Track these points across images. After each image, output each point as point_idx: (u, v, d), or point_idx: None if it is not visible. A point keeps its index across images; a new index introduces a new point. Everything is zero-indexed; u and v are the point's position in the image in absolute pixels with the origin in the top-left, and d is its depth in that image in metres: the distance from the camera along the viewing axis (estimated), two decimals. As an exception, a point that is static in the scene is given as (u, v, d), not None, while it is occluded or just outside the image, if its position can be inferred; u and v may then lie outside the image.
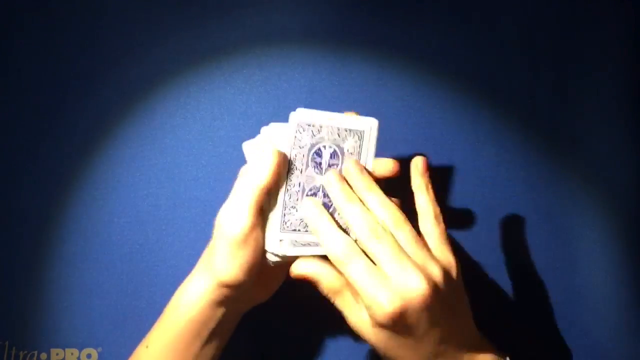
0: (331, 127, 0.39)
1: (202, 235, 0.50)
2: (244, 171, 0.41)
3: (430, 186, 0.40)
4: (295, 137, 0.39)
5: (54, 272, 0.50)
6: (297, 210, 0.39)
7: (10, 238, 0.50)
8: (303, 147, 0.39)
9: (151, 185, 0.50)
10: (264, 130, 0.41)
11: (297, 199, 0.39)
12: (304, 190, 0.39)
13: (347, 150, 0.40)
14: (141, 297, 0.50)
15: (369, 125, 0.40)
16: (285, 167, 0.39)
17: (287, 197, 0.39)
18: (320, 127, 0.39)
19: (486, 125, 0.50)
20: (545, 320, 0.49)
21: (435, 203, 0.39)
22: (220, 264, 0.38)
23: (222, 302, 0.39)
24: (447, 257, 0.38)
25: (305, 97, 0.50)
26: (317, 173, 0.39)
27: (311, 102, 0.50)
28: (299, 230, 0.39)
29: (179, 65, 0.51)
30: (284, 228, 0.39)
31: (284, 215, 0.39)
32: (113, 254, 0.50)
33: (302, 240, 0.39)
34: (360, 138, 0.40)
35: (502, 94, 0.51)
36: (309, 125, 0.39)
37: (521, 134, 0.50)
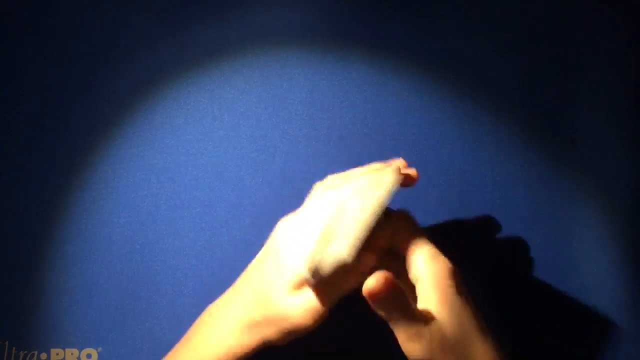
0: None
1: (202, 235, 0.50)
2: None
3: None
4: None
5: (54, 272, 0.50)
6: None
7: (10, 238, 0.50)
8: None
9: (151, 185, 0.50)
10: None
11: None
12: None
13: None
14: (141, 297, 0.50)
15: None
16: None
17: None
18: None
19: (486, 125, 0.50)
20: (545, 321, 0.49)
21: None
22: (275, 337, 0.38)
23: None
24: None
25: (305, 97, 0.50)
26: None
27: (311, 102, 0.50)
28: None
29: (179, 65, 0.51)
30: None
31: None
32: (113, 254, 0.50)
33: None
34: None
35: (502, 94, 0.51)
36: None
37: (521, 134, 0.50)
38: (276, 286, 0.39)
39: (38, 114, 0.51)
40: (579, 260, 0.50)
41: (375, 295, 0.34)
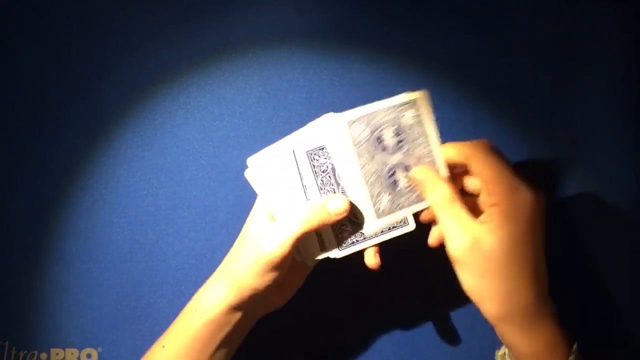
0: (383, 109, 0.39)
1: (202, 235, 0.50)
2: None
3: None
4: (351, 134, 0.39)
5: (54, 272, 0.50)
6: (387, 194, 0.40)
7: (10, 238, 0.50)
8: (362, 140, 0.39)
9: (151, 185, 0.50)
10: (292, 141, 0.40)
11: (381, 184, 0.40)
12: (381, 175, 0.40)
13: (408, 124, 0.40)
14: (141, 297, 0.50)
15: (420, 95, 0.40)
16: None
17: (370, 189, 0.40)
18: (373, 113, 0.39)
19: (486, 125, 0.50)
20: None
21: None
22: (248, 278, 0.39)
23: (240, 307, 0.40)
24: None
25: (305, 97, 0.50)
26: (388, 154, 0.40)
27: (311, 102, 0.50)
28: (395, 210, 0.41)
29: (179, 65, 0.51)
30: (379, 214, 0.41)
31: (374, 204, 0.40)
32: (113, 254, 0.50)
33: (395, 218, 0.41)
34: (417, 107, 0.39)
35: (502, 94, 0.51)
36: (360, 119, 0.39)
37: (521, 134, 0.51)
38: (251, 222, 0.41)
39: (38, 114, 0.51)
40: (579, 260, 0.50)
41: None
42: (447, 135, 0.50)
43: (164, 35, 0.51)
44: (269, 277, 0.39)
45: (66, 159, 0.51)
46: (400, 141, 0.40)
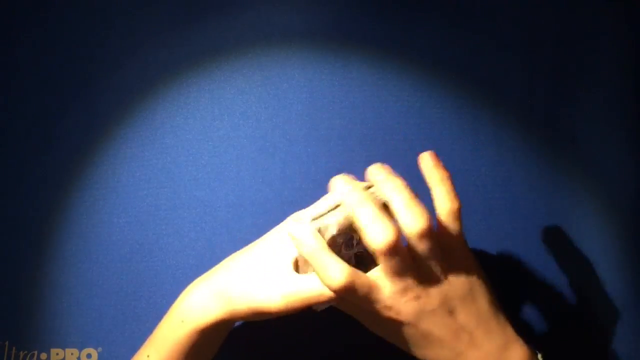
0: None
1: (202, 235, 0.50)
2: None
3: (445, 178, 0.39)
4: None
5: (54, 272, 0.50)
6: None
7: (11, 238, 0.50)
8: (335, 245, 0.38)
9: (151, 185, 0.51)
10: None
11: None
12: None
13: None
14: (141, 297, 0.50)
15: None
16: None
17: None
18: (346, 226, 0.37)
19: (486, 125, 0.50)
20: (545, 320, 0.49)
21: (453, 197, 0.39)
22: (248, 314, 0.39)
23: (229, 324, 0.41)
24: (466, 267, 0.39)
25: (305, 97, 0.50)
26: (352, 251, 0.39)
27: (311, 102, 0.50)
28: None
29: (179, 65, 0.51)
30: None
31: None
32: (113, 254, 0.50)
33: None
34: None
35: (502, 94, 0.51)
36: (339, 233, 0.37)
37: (521, 134, 0.50)
38: (273, 262, 0.39)
39: (38, 114, 0.51)
40: (579, 260, 0.50)
41: None
42: (447, 135, 0.51)
43: (164, 35, 0.51)
44: (270, 317, 0.39)
45: (66, 159, 0.51)
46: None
